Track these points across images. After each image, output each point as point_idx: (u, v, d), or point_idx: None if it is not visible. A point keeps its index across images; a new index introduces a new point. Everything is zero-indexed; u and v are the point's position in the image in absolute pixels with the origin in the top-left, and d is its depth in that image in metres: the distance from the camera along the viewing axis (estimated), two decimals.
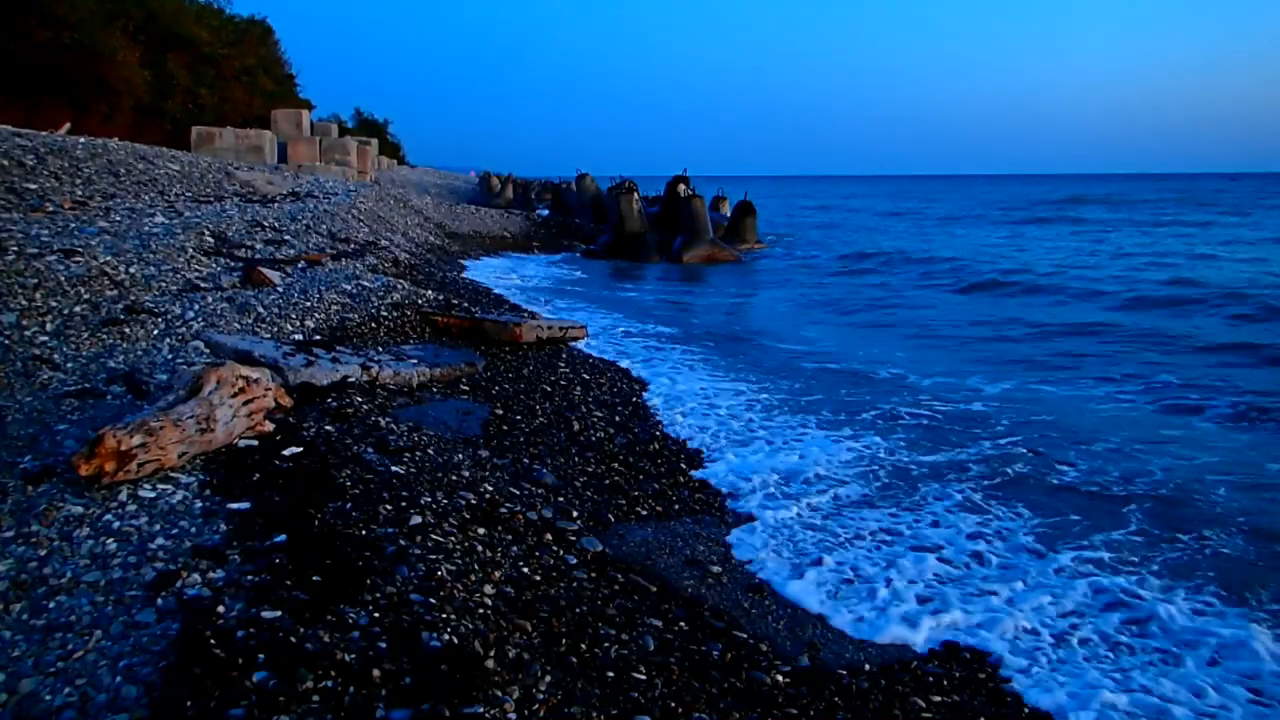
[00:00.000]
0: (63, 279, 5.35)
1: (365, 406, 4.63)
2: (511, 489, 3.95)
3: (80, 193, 8.20)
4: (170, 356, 4.68)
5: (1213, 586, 3.65)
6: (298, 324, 5.90)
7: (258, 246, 8.02)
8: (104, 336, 4.83)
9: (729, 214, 25.29)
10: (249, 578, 2.59)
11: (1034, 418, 6.27)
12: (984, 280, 16.27)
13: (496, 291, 11.30)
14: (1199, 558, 3.95)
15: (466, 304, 8.25)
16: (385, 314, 6.78)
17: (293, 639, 2.28)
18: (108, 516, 2.86)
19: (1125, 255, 20.56)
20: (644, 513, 4.21)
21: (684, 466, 4.96)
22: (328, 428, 4.07)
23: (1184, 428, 6.18)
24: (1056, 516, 4.41)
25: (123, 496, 3.00)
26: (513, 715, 2.22)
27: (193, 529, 2.87)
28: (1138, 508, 4.51)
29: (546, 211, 31.49)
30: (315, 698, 2.09)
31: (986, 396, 7.00)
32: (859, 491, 4.73)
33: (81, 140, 10.82)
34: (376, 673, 2.21)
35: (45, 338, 4.63)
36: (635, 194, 21.45)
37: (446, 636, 2.44)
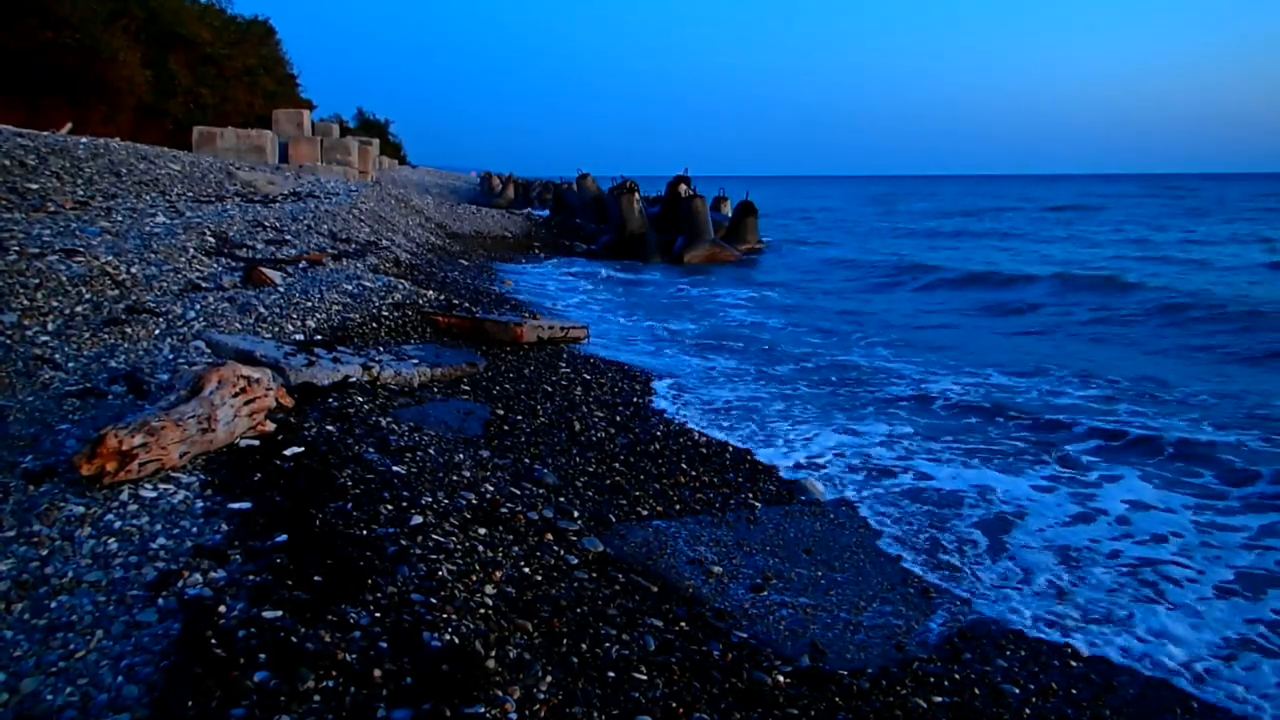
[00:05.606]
0: (64, 279, 5.35)
1: (366, 406, 4.63)
2: (512, 489, 3.95)
3: (82, 193, 8.20)
4: (171, 356, 4.68)
5: None
6: (299, 324, 5.90)
7: (259, 246, 8.02)
8: (105, 336, 4.83)
9: (730, 214, 25.29)
10: (250, 578, 2.59)
11: None
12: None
13: None
14: None
15: (467, 304, 8.25)
16: (386, 314, 6.78)
17: (294, 639, 2.28)
18: (109, 516, 2.86)
19: None
20: (645, 513, 4.22)
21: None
22: (329, 427, 4.07)
23: None
24: None
25: (124, 496, 3.00)
26: (513, 715, 2.22)
27: (194, 529, 2.87)
28: None
29: (546, 212, 31.53)
30: (316, 698, 2.09)
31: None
32: None
33: (83, 140, 10.83)
34: (377, 673, 2.21)
35: (47, 337, 4.63)
36: (636, 194, 21.45)
37: (447, 636, 2.44)
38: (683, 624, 3.12)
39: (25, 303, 4.94)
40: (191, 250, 6.97)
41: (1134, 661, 3.26)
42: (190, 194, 10.06)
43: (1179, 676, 3.18)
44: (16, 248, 5.66)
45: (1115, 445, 5.96)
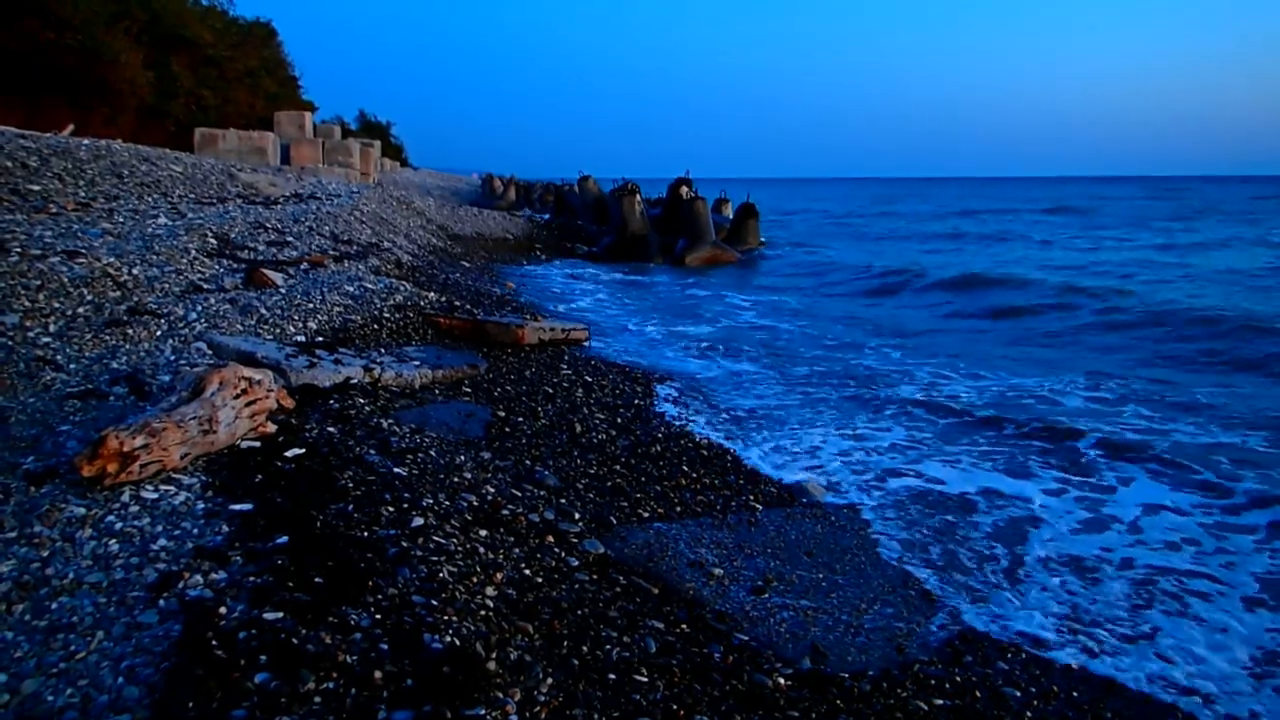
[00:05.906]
0: (66, 280, 5.36)
1: (367, 408, 4.63)
2: (514, 491, 3.95)
3: (83, 194, 8.21)
4: (173, 358, 4.68)
5: None
6: (300, 325, 5.91)
7: (260, 248, 8.03)
8: (107, 338, 4.83)
9: (731, 216, 25.29)
10: (251, 579, 2.58)
11: None
12: None
13: None
14: None
15: (469, 306, 8.25)
16: (388, 316, 6.78)
17: (295, 640, 2.28)
18: (110, 517, 2.86)
19: None
20: (646, 515, 4.21)
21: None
22: (330, 429, 4.07)
23: None
24: None
25: (125, 498, 3.00)
26: (514, 717, 2.22)
27: (195, 530, 2.87)
28: None
29: (547, 215, 31.54)
30: (317, 699, 2.09)
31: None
32: None
33: (85, 142, 10.84)
34: (378, 674, 2.21)
35: (48, 339, 4.63)
36: (637, 196, 21.46)
37: (448, 638, 2.44)
38: (684, 626, 3.12)
39: (27, 304, 4.94)
40: (193, 252, 6.98)
41: (1144, 674, 3.23)
42: (192, 195, 10.07)
43: (1192, 692, 3.14)
44: (18, 249, 5.66)
45: (1124, 448, 5.93)
